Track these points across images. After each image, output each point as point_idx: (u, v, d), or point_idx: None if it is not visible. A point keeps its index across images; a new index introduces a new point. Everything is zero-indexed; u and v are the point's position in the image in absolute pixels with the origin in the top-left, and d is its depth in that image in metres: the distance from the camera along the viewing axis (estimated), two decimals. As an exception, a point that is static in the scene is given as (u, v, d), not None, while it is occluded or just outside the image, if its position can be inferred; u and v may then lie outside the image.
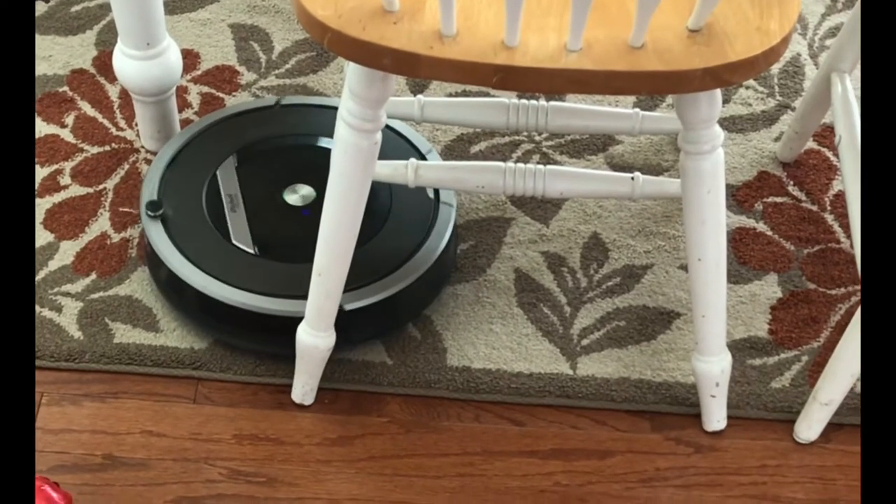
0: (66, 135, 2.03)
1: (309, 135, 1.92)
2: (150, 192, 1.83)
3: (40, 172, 1.98)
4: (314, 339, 1.67)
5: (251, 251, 1.77)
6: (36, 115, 2.05)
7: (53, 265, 1.86)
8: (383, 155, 1.70)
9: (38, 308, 1.81)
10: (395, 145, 1.89)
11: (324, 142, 1.91)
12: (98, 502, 1.65)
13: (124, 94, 2.07)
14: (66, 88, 2.09)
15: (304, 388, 1.73)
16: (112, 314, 1.81)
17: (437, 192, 1.84)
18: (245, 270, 1.76)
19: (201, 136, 1.90)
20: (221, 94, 2.09)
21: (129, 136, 2.03)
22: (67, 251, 1.88)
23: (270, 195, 1.84)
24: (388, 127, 1.90)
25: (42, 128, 2.04)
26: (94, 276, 1.85)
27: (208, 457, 1.70)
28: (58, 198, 1.95)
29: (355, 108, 1.41)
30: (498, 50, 1.25)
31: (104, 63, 2.13)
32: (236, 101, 2.03)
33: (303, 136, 1.91)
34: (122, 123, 2.05)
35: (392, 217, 1.82)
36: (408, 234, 1.80)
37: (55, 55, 2.14)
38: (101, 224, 1.91)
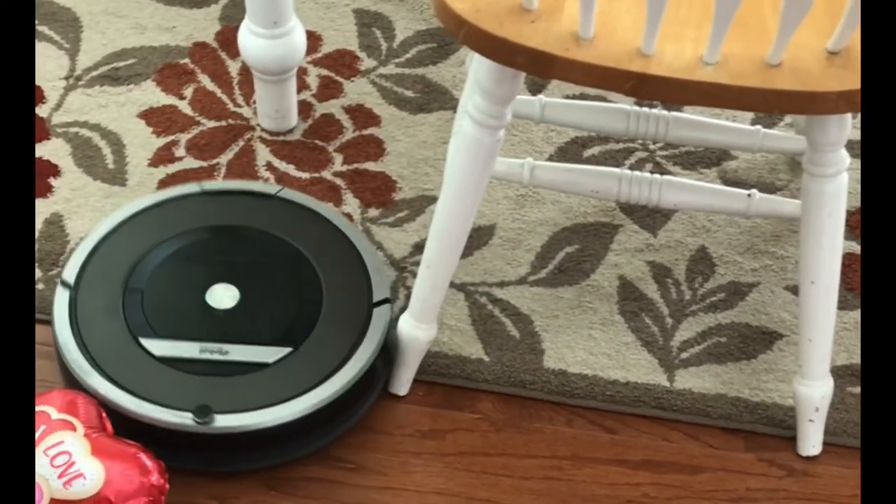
0: (184, 107, 2.04)
1: (170, 239, 1.80)
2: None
3: (156, 142, 1.99)
4: (416, 330, 1.67)
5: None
6: (155, 85, 2.07)
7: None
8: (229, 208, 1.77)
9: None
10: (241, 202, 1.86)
11: (186, 238, 1.80)
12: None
13: (244, 71, 2.08)
14: (187, 60, 2.10)
15: (400, 378, 1.73)
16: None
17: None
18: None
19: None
20: (340, 79, 2.09)
21: (245, 113, 2.04)
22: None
23: (199, 311, 1.72)
24: (229, 191, 1.87)
25: (161, 98, 2.05)
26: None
27: (300, 439, 1.71)
28: (171, 169, 1.96)
29: (482, 103, 1.40)
30: (633, 57, 1.24)
31: (227, 38, 2.14)
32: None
33: (166, 244, 1.80)
34: (240, 100, 2.06)
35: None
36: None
37: (179, 27, 2.15)
38: (212, 198, 1.93)
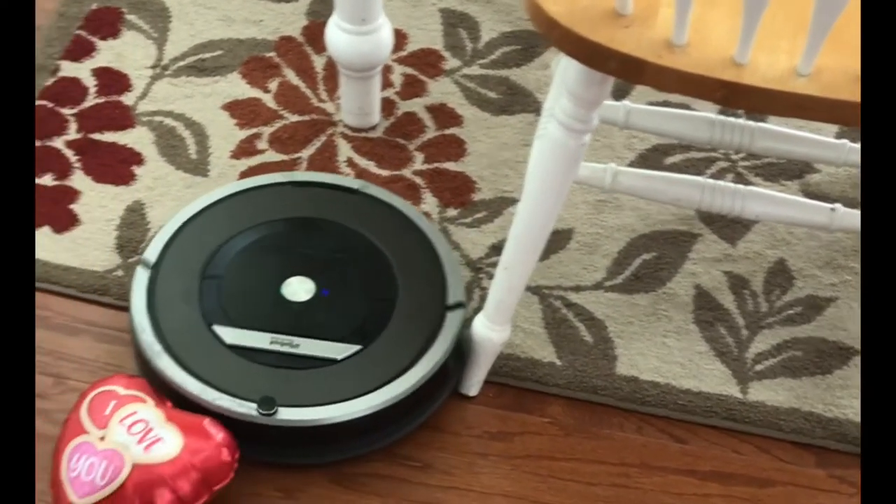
0: (268, 100, 2.06)
1: (250, 228, 1.82)
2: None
3: (239, 134, 2.01)
4: (490, 331, 1.67)
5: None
6: (241, 77, 2.08)
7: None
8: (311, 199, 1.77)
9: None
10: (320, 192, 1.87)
11: (265, 230, 1.81)
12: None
13: (329, 66, 2.09)
14: (273, 54, 2.12)
15: (471, 379, 1.73)
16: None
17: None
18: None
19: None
20: (424, 78, 2.09)
21: (328, 109, 2.05)
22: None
23: (274, 304, 1.73)
24: (310, 182, 1.88)
25: (245, 90, 2.06)
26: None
27: (370, 434, 1.72)
28: (253, 161, 1.97)
29: (570, 107, 1.40)
30: (726, 65, 1.24)
31: (313, 33, 2.15)
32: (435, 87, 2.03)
33: (245, 234, 1.81)
34: (324, 95, 2.07)
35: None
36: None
37: (266, 20, 2.16)
38: (292, 192, 1.94)
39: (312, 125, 2.02)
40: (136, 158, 1.97)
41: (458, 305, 1.73)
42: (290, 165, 1.96)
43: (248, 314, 1.71)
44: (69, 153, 1.97)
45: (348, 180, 1.88)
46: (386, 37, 1.91)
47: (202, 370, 1.65)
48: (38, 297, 1.81)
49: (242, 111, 2.04)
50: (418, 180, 1.96)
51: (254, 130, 2.01)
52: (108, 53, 2.10)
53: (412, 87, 2.08)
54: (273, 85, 2.07)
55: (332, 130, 2.02)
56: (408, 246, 1.79)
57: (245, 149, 1.99)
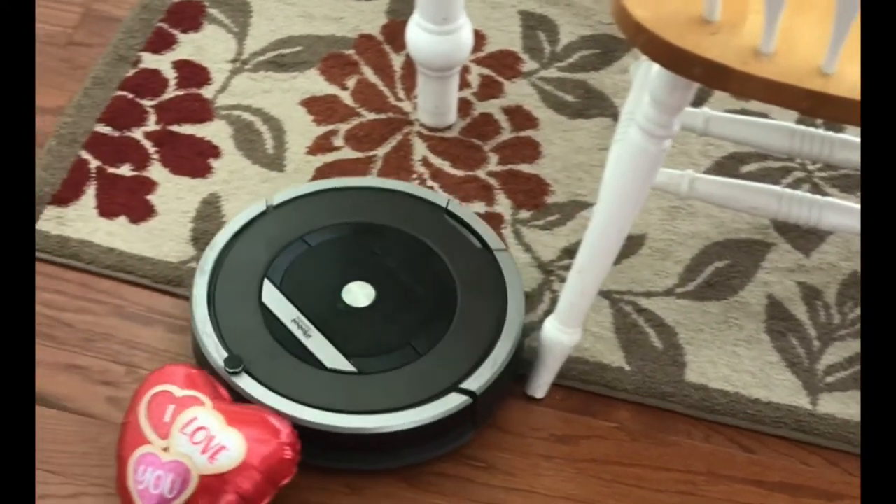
0: (346, 97, 2.06)
1: (320, 229, 1.81)
2: (216, 348, 1.68)
3: (315, 130, 2.01)
4: (560, 334, 1.67)
5: (353, 369, 1.68)
6: (319, 73, 2.09)
7: (316, 221, 1.90)
8: (404, 216, 1.78)
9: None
10: (411, 206, 1.85)
11: (341, 231, 1.81)
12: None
13: (407, 66, 2.10)
14: (352, 51, 2.12)
15: (538, 381, 1.73)
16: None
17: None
18: (357, 391, 1.66)
19: (220, 276, 1.76)
20: (501, 79, 2.10)
21: (405, 108, 2.06)
22: (331, 210, 1.92)
23: (332, 307, 1.73)
24: (399, 192, 1.86)
25: (323, 87, 2.07)
26: (354, 238, 1.89)
27: (436, 433, 1.72)
28: (329, 158, 1.98)
29: (652, 112, 1.40)
30: (814, 75, 1.23)
31: (392, 31, 2.15)
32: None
33: (315, 234, 1.80)
34: (401, 94, 2.07)
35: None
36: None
37: (346, 17, 2.17)
38: (367, 189, 1.95)
39: (389, 123, 2.03)
40: (214, 151, 1.98)
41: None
42: (365, 163, 1.97)
43: (298, 291, 1.74)
44: (147, 144, 1.98)
45: (436, 195, 1.87)
46: (466, 37, 1.91)
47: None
48: (114, 286, 1.83)
49: (320, 107, 2.05)
50: (492, 181, 1.96)
51: (330, 127, 2.02)
52: (188, 46, 2.12)
53: (489, 88, 2.09)
54: (351, 82, 2.08)
55: (408, 129, 2.03)
56: (476, 268, 1.78)
57: (321, 145, 2.00)
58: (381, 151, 1.99)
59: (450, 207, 1.83)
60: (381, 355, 1.68)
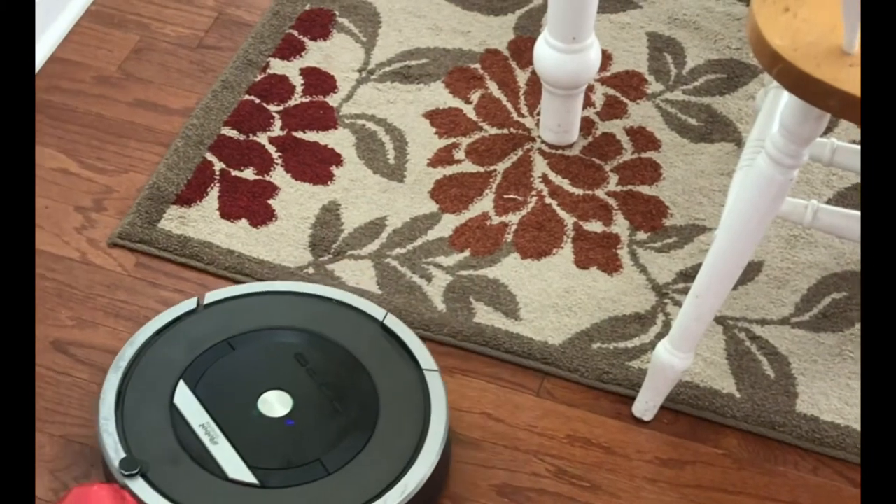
0: (469, 111, 2.07)
1: (248, 333, 1.72)
2: (114, 448, 1.60)
3: (437, 143, 2.03)
4: (672, 357, 1.65)
5: (254, 481, 1.59)
6: (444, 86, 2.10)
7: (432, 235, 1.91)
8: (339, 328, 1.71)
9: (409, 274, 1.86)
10: (347, 316, 1.75)
11: (272, 335, 1.72)
12: (428, 470, 1.70)
13: (532, 82, 2.10)
14: (477, 66, 2.13)
15: (647, 403, 1.72)
16: (477, 294, 1.85)
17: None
18: None
19: (135, 373, 1.68)
20: (625, 100, 2.09)
21: (527, 124, 2.06)
22: (447, 224, 1.93)
23: (245, 414, 1.64)
24: (337, 302, 1.76)
25: (447, 100, 2.09)
26: (467, 253, 1.90)
27: (539, 451, 1.72)
28: (449, 171, 1.99)
29: (781, 141, 1.39)
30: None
31: (519, 47, 2.16)
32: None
33: (243, 337, 1.72)
34: (524, 110, 2.08)
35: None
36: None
37: (473, 32, 2.18)
38: (485, 204, 1.95)
39: (510, 139, 2.04)
40: (336, 159, 2.01)
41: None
42: (484, 178, 1.98)
43: (212, 395, 1.66)
44: (272, 149, 2.01)
45: (374, 308, 1.76)
46: (594, 57, 1.91)
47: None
48: (231, 287, 1.86)
49: (443, 120, 2.06)
50: (611, 201, 1.96)
51: (452, 140, 2.03)
52: (317, 54, 2.15)
53: (612, 108, 2.08)
54: (475, 96, 2.09)
55: (529, 146, 2.03)
56: (403, 391, 1.68)
57: (442, 157, 2.01)
58: (501, 167, 2.00)
59: (386, 322, 1.73)
60: (286, 469, 1.60)
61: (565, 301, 1.85)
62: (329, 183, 1.98)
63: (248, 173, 1.98)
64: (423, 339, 1.77)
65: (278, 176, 1.98)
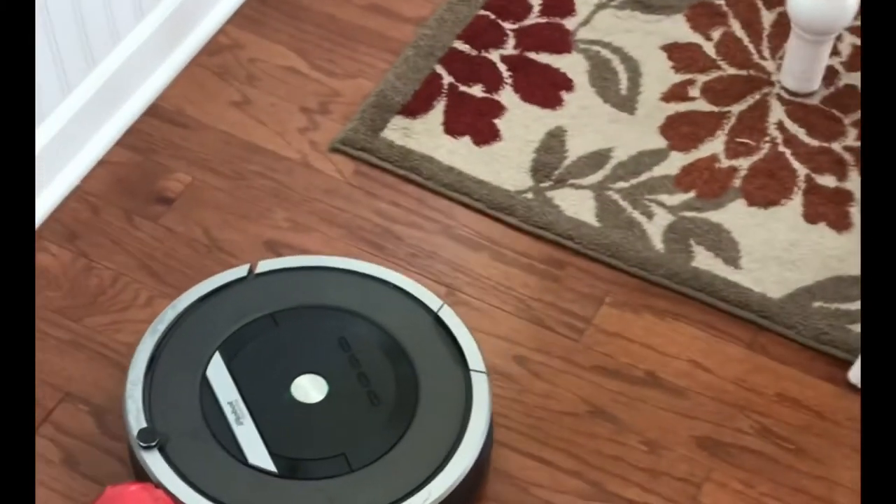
0: (709, 48, 2.01)
1: (294, 308, 1.63)
2: (136, 416, 1.53)
3: (672, 77, 1.97)
4: (892, 327, 1.59)
5: (273, 469, 1.51)
6: (685, 20, 2.04)
7: (658, 171, 1.86)
8: (391, 314, 1.60)
9: (629, 209, 1.82)
10: (400, 303, 1.65)
11: (318, 314, 1.63)
12: (627, 413, 1.66)
13: (777, 24, 2.03)
14: (722, 2, 2.06)
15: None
16: (698, 237, 1.80)
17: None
18: (268, 493, 1.50)
19: (172, 338, 1.60)
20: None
21: (768, 67, 1.98)
22: (675, 162, 1.88)
23: (277, 397, 1.56)
24: (393, 286, 1.66)
25: (687, 34, 2.02)
26: (692, 193, 1.84)
27: (745, 406, 1.67)
28: (682, 107, 1.94)
29: None
30: None
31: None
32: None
33: (288, 313, 1.63)
34: (766, 53, 2.00)
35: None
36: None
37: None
38: (715, 146, 1.89)
39: (748, 81, 1.97)
40: (567, 84, 1.96)
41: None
42: (718, 118, 1.92)
43: (246, 372, 1.58)
44: (502, 67, 1.98)
45: (431, 297, 1.65)
46: (852, 1, 1.83)
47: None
48: (447, 205, 1.84)
49: (680, 55, 2.00)
50: (847, 156, 1.88)
51: (688, 76, 1.97)
52: (557, -26, 2.10)
53: (859, 59, 1.99)
54: (716, 33, 2.02)
55: (767, 90, 1.96)
56: (445, 392, 1.58)
57: (676, 93, 1.95)
58: (737, 109, 1.93)
59: (440, 313, 1.63)
60: (308, 461, 1.52)
61: (789, 254, 1.78)
62: (557, 108, 1.93)
63: (477, 90, 1.95)
64: (636, 276, 1.73)
65: (506, 95, 1.94)
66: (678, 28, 2.03)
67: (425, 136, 1.90)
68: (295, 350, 1.60)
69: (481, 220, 1.83)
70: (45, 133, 1.78)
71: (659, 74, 1.97)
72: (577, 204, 1.83)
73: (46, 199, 1.81)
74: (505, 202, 1.83)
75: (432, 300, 1.64)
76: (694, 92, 1.95)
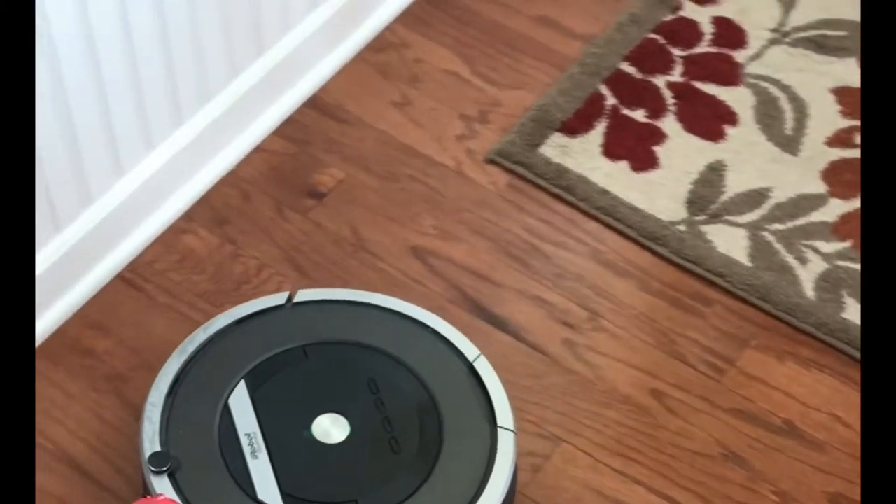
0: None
1: (326, 343, 1.58)
2: (150, 439, 1.50)
3: (839, 122, 1.92)
4: None
5: None
6: (857, 63, 1.98)
7: (815, 217, 1.82)
8: (425, 360, 1.55)
9: (783, 252, 1.78)
10: (436, 348, 1.59)
11: (351, 352, 1.57)
12: (761, 461, 1.63)
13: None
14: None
15: None
16: (851, 288, 1.75)
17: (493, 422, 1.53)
18: None
19: (199, 361, 1.56)
20: None
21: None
22: (834, 209, 1.83)
23: (295, 433, 1.51)
24: (431, 330, 1.60)
25: (858, 79, 1.97)
26: (849, 243, 1.80)
27: (884, 467, 1.63)
28: (846, 154, 1.89)
29: None
30: None
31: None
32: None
33: (319, 347, 1.57)
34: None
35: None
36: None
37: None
38: (878, 197, 1.85)
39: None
40: (731, 118, 1.93)
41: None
42: (882, 168, 1.87)
43: (269, 404, 1.54)
44: (667, 94, 1.95)
45: (469, 348, 1.59)
46: None
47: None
48: (598, 228, 1.82)
49: (850, 99, 1.95)
50: None
51: (855, 122, 1.93)
52: (732, 5, 2.06)
53: None
54: None
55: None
56: (470, 448, 1.52)
57: (842, 138, 1.91)
58: (903, 161, 1.89)
59: (476, 364, 1.57)
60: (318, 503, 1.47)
61: (943, 317, 1.74)
62: (720, 141, 1.90)
63: (639, 114, 1.93)
64: (783, 321, 1.70)
65: (669, 123, 1.92)
66: (850, 71, 1.98)
67: (583, 156, 1.88)
68: (321, 386, 1.55)
69: (631, 248, 1.80)
70: (206, 116, 1.78)
71: (826, 117, 1.93)
72: (730, 241, 1.80)
73: (200, 181, 1.82)
74: (657, 231, 1.80)
75: (469, 349, 1.59)
76: (857, 139, 1.91)
